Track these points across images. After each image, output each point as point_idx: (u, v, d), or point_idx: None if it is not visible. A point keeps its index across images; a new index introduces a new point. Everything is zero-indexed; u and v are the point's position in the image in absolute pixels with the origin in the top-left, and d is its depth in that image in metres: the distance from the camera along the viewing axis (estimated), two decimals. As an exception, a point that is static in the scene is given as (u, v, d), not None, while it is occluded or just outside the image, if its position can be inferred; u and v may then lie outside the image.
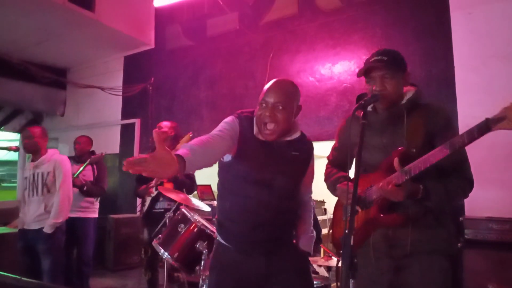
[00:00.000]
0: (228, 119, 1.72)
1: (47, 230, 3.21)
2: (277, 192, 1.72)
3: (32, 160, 3.40)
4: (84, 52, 6.82)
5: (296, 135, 1.78)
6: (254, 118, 1.72)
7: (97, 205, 4.14)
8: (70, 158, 4.17)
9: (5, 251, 3.55)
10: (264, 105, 1.65)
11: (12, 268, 3.28)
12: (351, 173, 1.88)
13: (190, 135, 3.31)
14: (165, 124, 3.70)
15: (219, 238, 1.84)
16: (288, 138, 1.75)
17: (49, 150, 3.44)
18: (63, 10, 5.14)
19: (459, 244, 2.98)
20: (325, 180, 1.97)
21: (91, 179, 4.04)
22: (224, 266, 1.78)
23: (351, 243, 1.21)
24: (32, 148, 3.34)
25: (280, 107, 1.64)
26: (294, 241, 1.88)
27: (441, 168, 1.55)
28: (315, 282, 2.50)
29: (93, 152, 4.26)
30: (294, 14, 5.19)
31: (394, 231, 1.61)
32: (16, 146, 3.41)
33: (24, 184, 3.41)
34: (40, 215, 3.26)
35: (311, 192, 1.99)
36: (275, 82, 1.72)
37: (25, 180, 3.39)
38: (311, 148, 1.87)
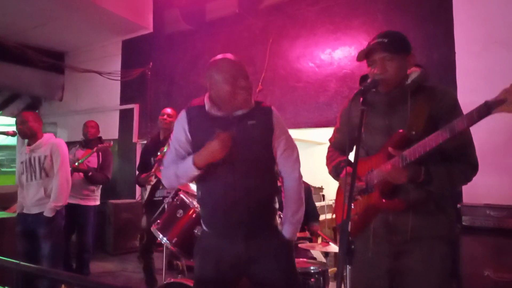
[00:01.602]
0: (176, 122, 1.87)
1: (48, 213, 3.21)
2: (242, 169, 1.74)
3: (28, 144, 3.38)
4: (82, 36, 6.73)
5: (253, 104, 1.82)
6: (208, 97, 1.80)
7: (98, 193, 4.14)
8: (77, 142, 4.18)
9: (4, 235, 3.56)
10: (232, 80, 1.73)
11: (11, 252, 3.29)
12: (351, 156, 1.88)
13: None
14: (170, 112, 3.71)
15: (202, 225, 1.90)
16: (245, 110, 1.79)
17: (45, 134, 3.42)
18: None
19: (456, 231, 3.00)
20: (327, 164, 1.95)
21: (95, 166, 4.03)
22: (205, 252, 1.82)
23: (349, 229, 1.20)
24: (27, 133, 3.32)
25: (246, 77, 1.79)
26: (276, 225, 1.87)
27: (445, 152, 1.53)
28: (312, 268, 2.52)
29: (100, 138, 4.25)
30: (295, -2, 5.11)
31: (395, 216, 1.60)
32: (13, 131, 3.39)
33: (20, 168, 3.39)
34: (40, 199, 3.26)
35: (296, 173, 1.90)
36: (227, 59, 1.81)
37: (22, 164, 3.37)
38: (270, 113, 1.85)
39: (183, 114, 1.84)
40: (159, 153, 3.52)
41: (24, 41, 6.21)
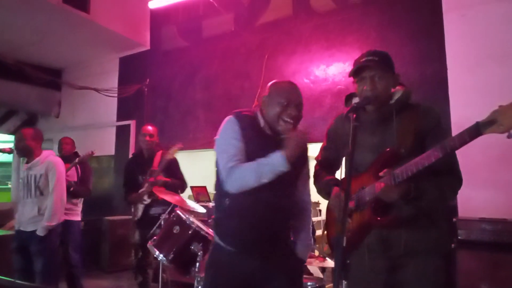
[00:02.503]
0: (228, 124, 1.80)
1: (40, 232, 3.20)
2: (277, 189, 1.74)
3: (26, 162, 3.39)
4: (79, 52, 6.79)
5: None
6: (260, 114, 1.82)
7: (80, 207, 4.11)
8: None
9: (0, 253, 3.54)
10: (285, 103, 1.75)
11: (6, 270, 3.26)
12: (338, 174, 1.91)
13: (177, 148, 3.38)
14: (151, 131, 3.72)
15: (216, 238, 1.86)
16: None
17: (44, 151, 3.42)
18: (57, 10, 5.13)
19: (452, 245, 3.00)
20: (314, 183, 1.97)
21: (75, 179, 4.02)
22: (219, 266, 1.80)
23: (344, 244, 1.22)
24: (24, 151, 3.33)
25: (299, 108, 1.80)
26: (291, 246, 1.90)
27: (432, 167, 1.54)
28: (309, 283, 2.51)
29: (76, 153, 4.23)
30: (289, 16, 5.20)
31: (388, 232, 1.62)
32: (10, 148, 3.39)
33: (19, 185, 3.39)
34: (34, 217, 3.25)
35: (309, 194, 1.99)
36: (291, 83, 1.86)
37: (20, 181, 3.38)
38: (307, 144, 1.91)
39: (233, 120, 1.79)
40: (149, 177, 3.55)
41: (21, 57, 6.26)
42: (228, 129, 1.78)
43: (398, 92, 1.71)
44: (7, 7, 4.97)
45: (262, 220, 1.74)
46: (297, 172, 1.87)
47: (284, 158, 1.62)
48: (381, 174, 1.55)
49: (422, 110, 1.67)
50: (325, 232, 1.90)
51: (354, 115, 1.49)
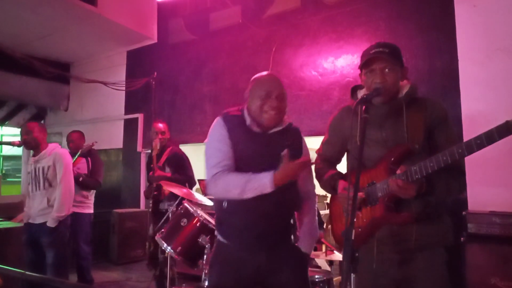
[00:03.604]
0: (215, 127, 1.79)
1: (50, 224, 3.23)
2: (283, 188, 1.71)
3: (33, 155, 3.42)
4: (87, 46, 6.81)
5: (286, 123, 1.84)
6: (247, 111, 1.81)
7: (92, 199, 4.14)
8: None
9: (10, 245, 3.57)
10: (265, 95, 1.76)
11: (17, 262, 3.30)
12: (339, 168, 1.89)
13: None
14: (162, 128, 3.74)
15: (218, 236, 1.85)
16: (279, 128, 1.81)
17: (50, 144, 3.45)
18: (65, 4, 5.14)
19: (462, 239, 2.97)
20: (317, 178, 1.95)
21: (86, 172, 4.05)
22: (224, 264, 1.80)
23: (352, 237, 1.21)
24: (31, 144, 3.36)
25: (280, 98, 1.78)
26: (295, 240, 1.89)
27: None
28: (317, 276, 2.51)
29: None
30: (297, 8, 5.16)
31: (400, 226, 1.60)
32: (19, 141, 3.42)
33: (27, 178, 3.43)
34: (43, 209, 3.29)
35: (313, 187, 1.97)
36: (269, 75, 1.87)
37: (28, 174, 3.42)
38: (300, 136, 1.91)
39: (220, 122, 1.79)
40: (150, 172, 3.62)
41: (30, 51, 6.29)
42: (215, 133, 1.78)
43: (406, 87, 1.68)
44: (16, 1, 4.99)
45: (264, 215, 1.73)
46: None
47: (272, 182, 1.61)
48: (398, 172, 1.52)
49: (430, 104, 1.65)
50: (329, 226, 1.89)
51: (364, 107, 1.46)
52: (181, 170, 3.68)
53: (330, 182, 1.82)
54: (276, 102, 1.75)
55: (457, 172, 1.60)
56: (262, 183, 1.63)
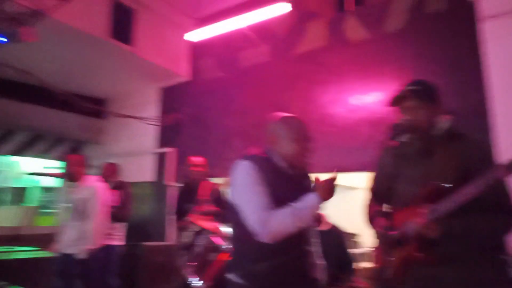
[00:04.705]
0: (245, 169, 1.72)
1: (81, 255, 3.29)
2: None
3: (72, 187, 3.55)
4: (123, 83, 7.17)
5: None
6: (276, 153, 1.79)
7: (121, 232, 4.19)
8: None
9: (41, 274, 3.66)
10: (302, 138, 1.79)
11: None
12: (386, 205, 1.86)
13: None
14: (200, 161, 3.83)
15: (236, 279, 1.74)
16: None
17: (89, 176, 3.58)
18: (104, 44, 5.48)
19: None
20: (364, 213, 1.94)
21: (117, 204, 4.13)
22: None
23: (386, 277, 1.18)
24: (71, 175, 3.50)
25: (311, 141, 1.84)
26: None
27: (483, 200, 1.46)
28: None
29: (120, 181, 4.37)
30: (324, 46, 5.28)
31: (434, 269, 1.55)
32: (60, 173, 3.58)
33: (62, 209, 3.54)
34: (76, 240, 3.36)
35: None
36: (297, 117, 1.87)
37: (65, 205, 3.53)
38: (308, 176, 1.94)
39: (249, 164, 1.72)
40: (198, 205, 3.66)
41: (69, 88, 6.66)
42: (247, 176, 1.70)
43: (444, 121, 1.65)
44: (58, 42, 5.36)
45: (292, 259, 1.71)
46: None
47: (319, 199, 1.63)
48: (421, 210, 1.51)
49: (470, 142, 1.60)
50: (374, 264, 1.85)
51: (395, 144, 1.47)
52: (220, 205, 3.72)
53: (372, 218, 1.82)
54: (309, 144, 1.80)
55: (502, 214, 1.51)
56: (310, 203, 1.63)
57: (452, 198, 1.42)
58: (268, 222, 1.61)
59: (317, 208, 1.64)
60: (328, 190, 1.65)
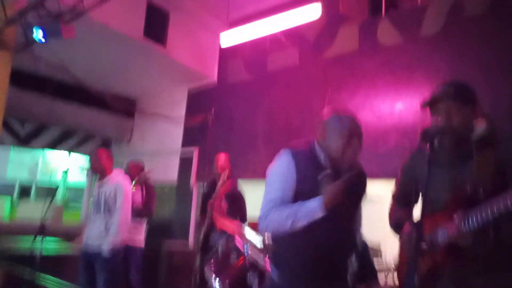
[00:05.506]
0: (283, 160, 1.73)
1: (105, 247, 3.36)
2: (340, 223, 1.69)
3: (98, 180, 3.64)
4: (153, 83, 7.33)
5: (357, 166, 1.79)
6: (319, 146, 1.75)
7: (143, 229, 4.24)
8: None
9: (67, 270, 3.74)
10: (349, 135, 1.71)
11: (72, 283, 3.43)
12: (416, 210, 1.79)
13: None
14: (223, 157, 3.84)
15: (272, 275, 1.79)
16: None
17: (115, 170, 3.67)
18: (138, 44, 5.62)
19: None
20: (389, 219, 1.87)
21: (140, 200, 4.18)
22: None
23: (415, 283, 1.13)
24: (98, 169, 3.60)
25: (361, 141, 1.76)
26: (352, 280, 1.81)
27: None
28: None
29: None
30: (355, 50, 5.20)
31: (465, 274, 1.49)
32: (89, 167, 3.73)
33: (91, 202, 3.65)
34: (101, 232, 3.44)
35: (361, 228, 1.91)
36: (351, 113, 1.82)
37: (92, 198, 3.64)
38: (365, 176, 1.85)
39: (288, 157, 1.73)
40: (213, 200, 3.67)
41: (102, 87, 6.86)
42: (281, 167, 1.72)
43: (481, 125, 1.57)
44: (94, 40, 5.51)
45: (321, 257, 1.68)
46: (355, 206, 1.81)
47: (321, 203, 1.56)
48: (453, 217, 1.44)
49: (507, 147, 1.51)
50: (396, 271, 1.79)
51: (424, 147, 1.42)
52: (238, 210, 3.71)
53: (397, 224, 1.74)
54: (357, 142, 1.71)
55: None
56: (312, 207, 1.59)
57: (488, 207, 1.34)
58: (268, 216, 1.67)
59: (317, 213, 1.57)
60: (334, 195, 1.55)
